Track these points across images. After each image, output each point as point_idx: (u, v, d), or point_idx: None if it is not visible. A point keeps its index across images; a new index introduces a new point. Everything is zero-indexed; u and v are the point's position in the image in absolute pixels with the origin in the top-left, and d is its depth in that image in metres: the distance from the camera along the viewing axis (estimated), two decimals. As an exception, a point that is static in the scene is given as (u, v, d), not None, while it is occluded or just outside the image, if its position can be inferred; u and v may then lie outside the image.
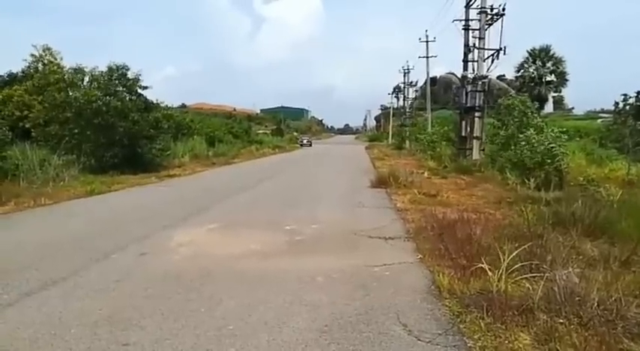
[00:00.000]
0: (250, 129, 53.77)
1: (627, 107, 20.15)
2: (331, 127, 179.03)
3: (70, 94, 18.98)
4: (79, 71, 20.15)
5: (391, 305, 4.06)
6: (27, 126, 19.46)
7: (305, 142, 63.12)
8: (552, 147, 11.93)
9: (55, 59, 23.15)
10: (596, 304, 3.59)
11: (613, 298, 3.64)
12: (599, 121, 39.12)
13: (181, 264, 5.46)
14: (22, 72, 23.58)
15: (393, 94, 70.89)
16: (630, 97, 20.32)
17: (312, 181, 16.37)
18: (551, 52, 54.29)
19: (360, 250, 6.16)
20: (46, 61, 23.02)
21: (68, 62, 23.15)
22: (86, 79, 20.08)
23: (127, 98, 18.77)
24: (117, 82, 18.73)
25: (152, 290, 4.50)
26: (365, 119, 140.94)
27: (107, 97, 17.18)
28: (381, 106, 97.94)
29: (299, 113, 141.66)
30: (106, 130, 16.94)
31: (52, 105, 18.24)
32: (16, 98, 21.10)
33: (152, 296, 4.34)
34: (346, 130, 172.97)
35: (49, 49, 23.26)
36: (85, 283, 4.70)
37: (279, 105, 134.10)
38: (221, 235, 7.13)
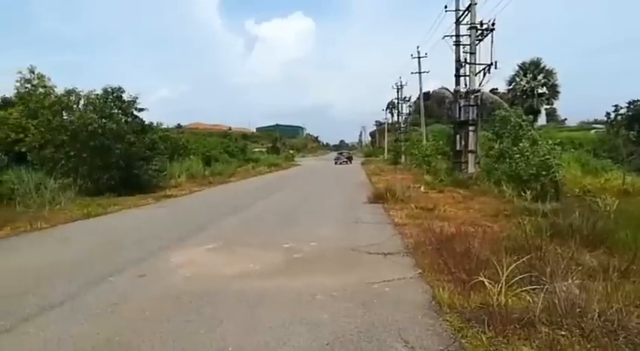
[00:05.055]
0: (246, 148, 53.85)
1: (619, 118, 20.31)
2: (327, 143, 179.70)
3: (65, 117, 19.03)
4: (71, 93, 20.21)
5: (392, 322, 4.04)
6: (22, 150, 19.44)
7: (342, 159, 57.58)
8: (547, 158, 12.01)
9: (43, 81, 23.26)
10: (597, 315, 3.58)
11: (614, 309, 3.64)
12: (593, 131, 39.41)
13: (180, 285, 5.42)
14: (17, 94, 23.64)
15: (387, 109, 71.67)
16: (621, 108, 20.45)
17: (309, 197, 16.36)
18: (542, 65, 54.96)
19: (359, 266, 6.14)
20: (35, 83, 23.10)
21: (59, 86, 23.25)
22: (81, 102, 20.15)
23: (123, 120, 18.81)
24: (112, 104, 18.80)
25: (150, 312, 4.46)
26: (360, 135, 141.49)
27: (103, 120, 17.23)
28: (376, 121, 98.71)
29: (294, 131, 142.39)
30: (102, 153, 16.94)
31: (48, 128, 18.25)
32: (11, 121, 21.14)
33: (150, 319, 4.30)
34: (342, 146, 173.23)
35: (33, 72, 23.38)
36: (82, 307, 4.66)
37: (275, 123, 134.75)
38: (219, 255, 7.09)
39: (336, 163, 55.32)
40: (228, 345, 3.64)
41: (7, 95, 24.73)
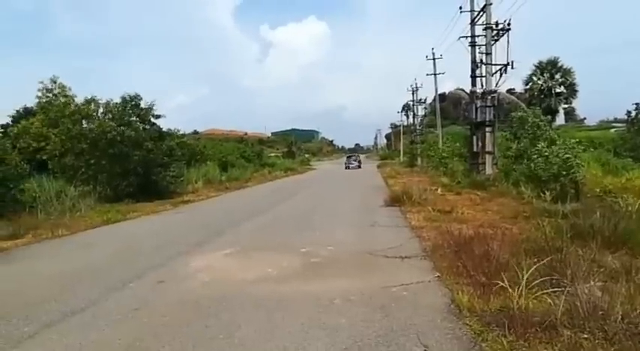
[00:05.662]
0: (262, 152, 54.10)
1: (640, 116, 19.84)
2: (342, 147, 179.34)
3: (85, 125, 19.40)
4: (90, 102, 20.60)
5: (411, 326, 4.01)
6: (44, 158, 19.86)
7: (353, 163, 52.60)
8: (568, 158, 11.81)
9: (65, 90, 23.79)
10: (620, 317, 3.51)
11: (638, 311, 3.57)
12: (613, 130, 38.73)
13: (199, 290, 5.46)
14: (38, 104, 24.18)
15: (402, 112, 71.62)
16: (643, 106, 20.00)
17: (325, 201, 16.35)
18: (559, 64, 54.04)
19: (376, 270, 6.11)
20: (56, 92, 23.62)
21: (78, 95, 23.76)
22: (100, 110, 20.53)
23: (141, 127, 19.09)
24: (130, 112, 19.11)
25: (170, 318, 4.51)
26: (376, 138, 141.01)
27: (121, 128, 17.51)
28: (391, 124, 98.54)
29: (310, 135, 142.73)
30: (120, 160, 17.21)
31: (68, 136, 18.62)
32: (33, 130, 21.63)
33: (170, 324, 4.34)
34: (357, 149, 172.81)
35: (55, 82, 23.91)
36: (103, 313, 4.72)
37: (290, 127, 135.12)
38: (237, 260, 7.13)
39: (346, 168, 50.77)
40: (248, 349, 3.66)
41: (28, 105, 25.43)
